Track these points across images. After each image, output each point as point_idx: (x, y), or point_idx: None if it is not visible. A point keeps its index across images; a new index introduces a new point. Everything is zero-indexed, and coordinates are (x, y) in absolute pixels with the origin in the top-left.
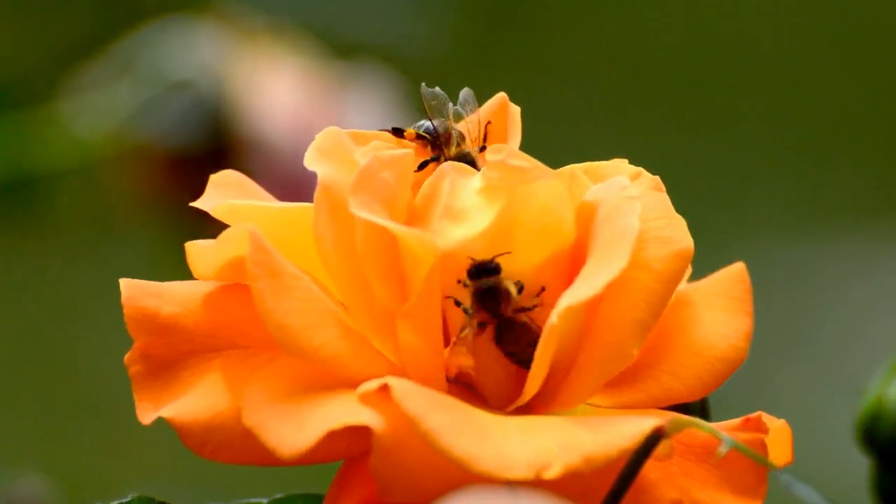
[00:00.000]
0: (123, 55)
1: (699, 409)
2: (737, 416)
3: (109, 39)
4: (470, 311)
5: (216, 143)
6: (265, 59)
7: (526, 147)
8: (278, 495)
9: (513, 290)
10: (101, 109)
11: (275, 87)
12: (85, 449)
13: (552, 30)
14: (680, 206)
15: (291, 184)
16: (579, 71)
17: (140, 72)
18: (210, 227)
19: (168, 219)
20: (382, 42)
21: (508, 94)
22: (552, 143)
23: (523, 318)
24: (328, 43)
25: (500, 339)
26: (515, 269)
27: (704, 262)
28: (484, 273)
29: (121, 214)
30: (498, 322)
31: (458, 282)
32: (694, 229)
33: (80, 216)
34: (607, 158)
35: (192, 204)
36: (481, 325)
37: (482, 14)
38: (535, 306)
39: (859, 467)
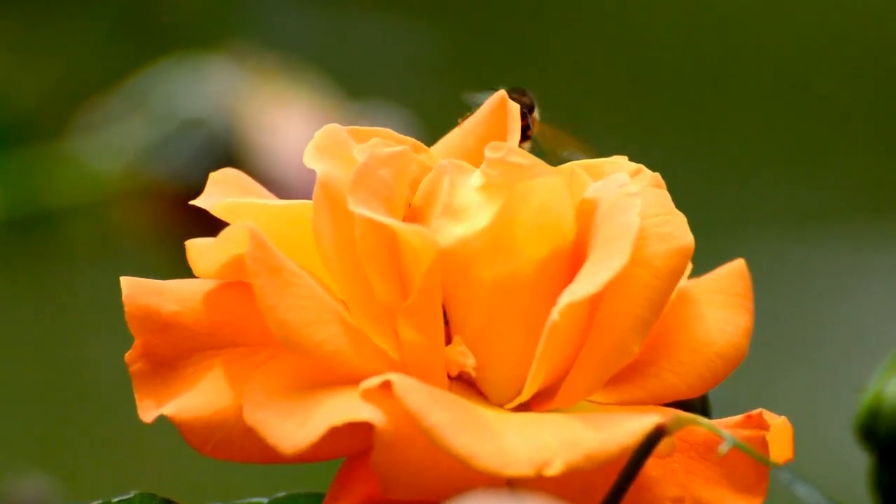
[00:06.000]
0: (136, 92)
1: (700, 405)
2: (738, 414)
3: (122, 76)
4: None
5: None
6: (277, 97)
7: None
8: (280, 494)
9: None
10: (114, 146)
11: (287, 125)
12: (86, 448)
13: (552, 31)
14: (680, 206)
15: None
16: (580, 70)
17: (152, 109)
18: None
19: (178, 256)
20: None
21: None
22: None
23: None
24: (340, 82)
25: None
26: (515, 266)
27: (704, 262)
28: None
29: (131, 251)
30: None
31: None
32: (694, 229)
33: (91, 251)
34: (608, 156)
35: (192, 202)
36: None
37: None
38: None
39: (859, 464)
